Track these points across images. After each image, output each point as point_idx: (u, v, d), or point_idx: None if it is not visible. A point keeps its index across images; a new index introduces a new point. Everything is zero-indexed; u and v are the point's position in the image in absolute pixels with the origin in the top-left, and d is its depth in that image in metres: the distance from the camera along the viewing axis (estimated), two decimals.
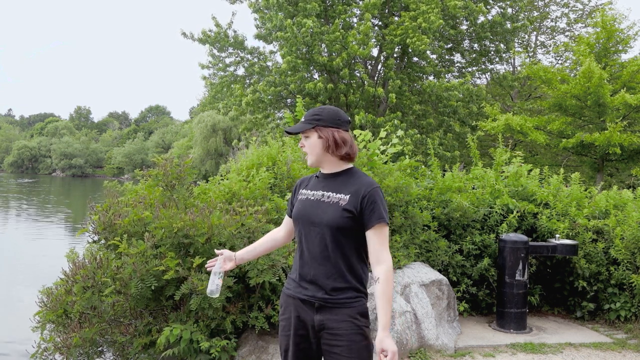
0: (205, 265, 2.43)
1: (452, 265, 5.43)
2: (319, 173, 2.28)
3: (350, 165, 2.23)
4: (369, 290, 3.36)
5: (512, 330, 5.03)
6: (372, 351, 2.11)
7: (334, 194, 2.14)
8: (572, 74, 15.68)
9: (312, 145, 2.17)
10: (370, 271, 2.14)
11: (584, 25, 21.01)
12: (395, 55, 16.15)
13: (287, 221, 2.42)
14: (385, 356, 1.99)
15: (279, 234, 2.45)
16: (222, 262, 2.39)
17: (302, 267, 2.17)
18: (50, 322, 3.84)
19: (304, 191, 2.26)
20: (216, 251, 2.43)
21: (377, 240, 2.09)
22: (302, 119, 2.20)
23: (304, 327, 2.14)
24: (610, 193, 6.25)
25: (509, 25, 16.45)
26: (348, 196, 2.10)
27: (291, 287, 2.21)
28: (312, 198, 2.19)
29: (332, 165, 2.20)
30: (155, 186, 4.34)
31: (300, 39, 13.65)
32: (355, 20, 15.89)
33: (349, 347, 2.04)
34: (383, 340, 2.01)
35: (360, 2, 15.31)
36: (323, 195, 2.17)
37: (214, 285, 2.33)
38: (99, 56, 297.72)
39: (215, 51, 16.34)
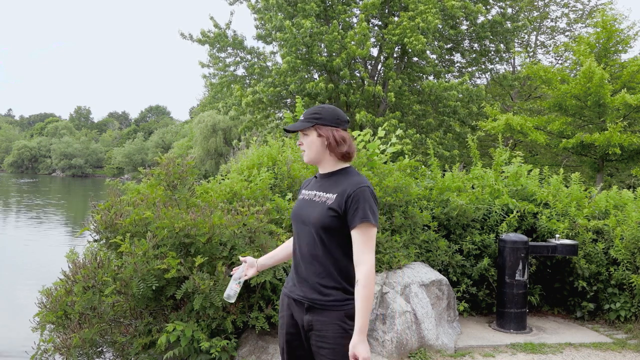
0: (231, 273, 2.49)
1: (452, 265, 5.43)
2: (317, 173, 2.31)
3: (348, 164, 2.23)
4: None
5: (512, 330, 5.03)
6: None
7: (324, 193, 2.15)
8: (572, 74, 15.67)
9: (310, 143, 2.18)
10: None
11: (584, 25, 21.01)
12: (395, 55, 16.16)
13: None
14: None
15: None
16: (245, 269, 2.43)
17: (295, 266, 2.22)
18: (50, 322, 3.83)
19: (304, 191, 2.31)
20: (240, 258, 2.47)
21: (360, 241, 2.03)
22: (302, 117, 2.22)
23: (295, 325, 2.18)
24: (610, 193, 6.25)
25: (509, 25, 16.45)
26: (335, 195, 2.10)
27: (288, 286, 2.27)
28: (307, 198, 2.24)
29: (330, 165, 2.21)
30: (157, 185, 4.34)
31: (300, 40, 13.65)
32: (355, 20, 15.90)
33: (334, 350, 2.04)
34: (356, 345, 1.95)
35: (360, 2, 15.31)
36: (315, 194, 2.20)
37: (232, 291, 2.39)
38: (99, 56, 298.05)
39: (214, 51, 16.35)
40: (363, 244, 2.03)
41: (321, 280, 2.10)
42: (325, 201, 2.11)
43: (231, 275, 2.47)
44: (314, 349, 2.12)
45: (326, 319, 2.07)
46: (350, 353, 1.96)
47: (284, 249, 2.47)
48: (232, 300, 2.39)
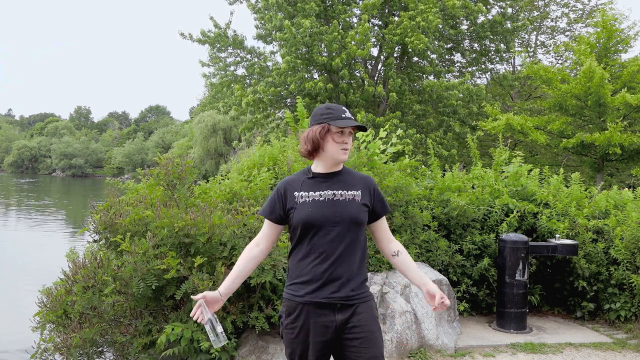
0: (192, 316, 2.16)
1: (452, 265, 5.43)
2: (312, 173, 2.23)
3: None
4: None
5: (512, 330, 5.03)
6: (383, 339, 2.25)
7: (346, 191, 2.20)
8: (573, 74, 15.67)
9: (350, 144, 2.25)
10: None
11: (584, 25, 21.02)
12: (395, 54, 16.16)
13: (271, 230, 2.26)
14: (442, 298, 2.22)
15: (258, 248, 2.26)
16: (207, 306, 2.15)
17: (322, 270, 2.12)
18: (50, 322, 3.83)
19: (302, 194, 2.18)
20: (193, 297, 2.19)
21: (386, 226, 2.33)
22: (352, 118, 2.21)
23: (324, 332, 2.13)
24: (610, 193, 6.25)
25: (509, 25, 16.46)
26: (359, 192, 2.22)
27: (301, 292, 2.14)
28: (322, 199, 2.16)
29: (339, 164, 2.27)
30: (156, 185, 4.35)
31: (300, 40, 13.66)
32: (355, 20, 15.91)
33: (368, 338, 2.13)
34: (437, 288, 2.27)
35: (360, 2, 15.32)
36: (334, 194, 2.18)
37: (222, 335, 2.08)
38: (99, 56, 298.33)
39: (214, 51, 16.35)
40: (387, 227, 2.37)
41: (353, 277, 2.16)
42: (353, 198, 2.20)
43: (199, 321, 2.15)
44: (345, 343, 2.14)
45: (360, 310, 2.16)
46: (439, 295, 2.23)
47: (250, 262, 2.24)
48: (224, 342, 2.10)
